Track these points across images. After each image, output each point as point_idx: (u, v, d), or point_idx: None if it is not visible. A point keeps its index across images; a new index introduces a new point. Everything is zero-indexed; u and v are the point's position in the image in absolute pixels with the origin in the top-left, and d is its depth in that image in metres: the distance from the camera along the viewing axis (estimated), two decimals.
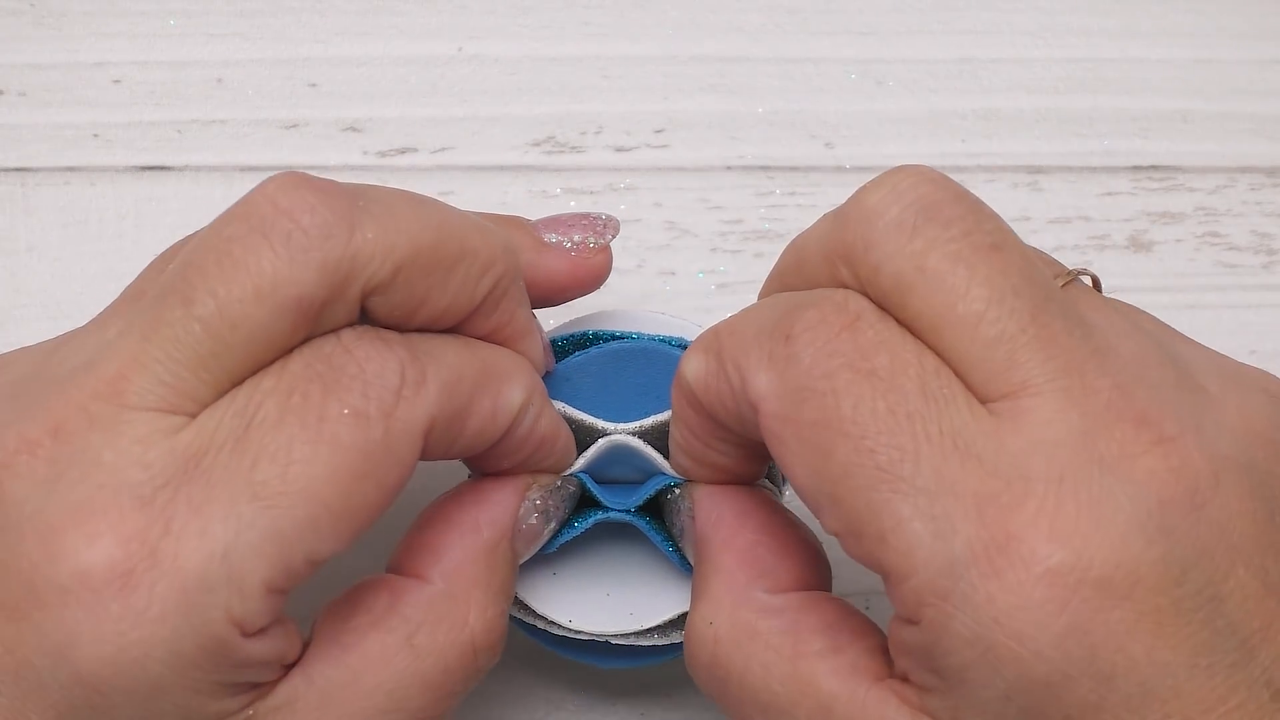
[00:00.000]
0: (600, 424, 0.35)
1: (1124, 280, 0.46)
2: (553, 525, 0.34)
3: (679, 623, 0.35)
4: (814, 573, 0.34)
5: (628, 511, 0.34)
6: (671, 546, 0.35)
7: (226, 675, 0.29)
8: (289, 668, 0.31)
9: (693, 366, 0.32)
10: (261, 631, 0.29)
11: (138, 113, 0.46)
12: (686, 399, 0.33)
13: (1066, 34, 0.49)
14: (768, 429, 0.30)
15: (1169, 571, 0.27)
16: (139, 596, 0.28)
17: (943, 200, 0.30)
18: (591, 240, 0.35)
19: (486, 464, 0.34)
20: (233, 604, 0.29)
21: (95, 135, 0.45)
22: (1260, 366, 0.45)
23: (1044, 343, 0.29)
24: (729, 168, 0.46)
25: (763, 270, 0.45)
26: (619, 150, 0.46)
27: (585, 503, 0.35)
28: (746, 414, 0.31)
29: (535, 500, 0.34)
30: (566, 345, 0.36)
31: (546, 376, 0.35)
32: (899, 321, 0.30)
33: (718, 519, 0.34)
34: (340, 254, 0.30)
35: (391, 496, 0.30)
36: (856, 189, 0.31)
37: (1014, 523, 0.27)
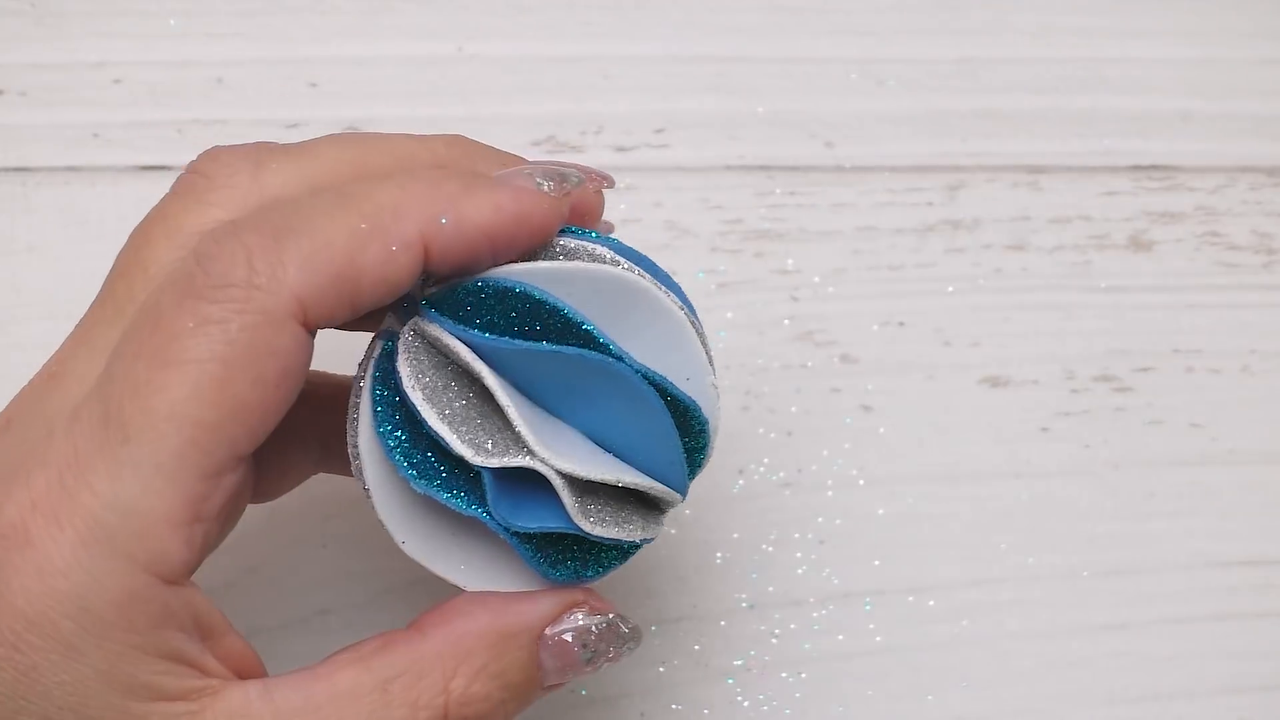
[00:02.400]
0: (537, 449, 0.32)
1: (1124, 280, 0.46)
2: (594, 663, 0.33)
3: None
4: None
5: (505, 529, 0.32)
6: (538, 559, 0.33)
7: (150, 638, 0.29)
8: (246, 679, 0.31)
9: None
10: (184, 582, 0.29)
11: (138, 113, 0.46)
12: None
13: (1066, 34, 0.49)
14: None
15: None
16: (39, 553, 0.28)
17: None
18: (545, 185, 0.32)
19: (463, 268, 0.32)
20: (136, 549, 0.28)
21: (95, 135, 0.45)
22: (1260, 366, 0.45)
23: None
24: (729, 167, 0.46)
25: (763, 270, 0.46)
26: (619, 150, 0.46)
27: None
28: None
29: (579, 620, 0.33)
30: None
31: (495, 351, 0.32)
32: None
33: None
34: (246, 189, 0.32)
35: (281, 387, 0.30)
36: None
37: None
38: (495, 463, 0.32)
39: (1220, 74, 0.48)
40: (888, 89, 0.48)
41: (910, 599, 0.42)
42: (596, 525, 0.33)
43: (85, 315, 0.32)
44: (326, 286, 0.30)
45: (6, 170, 0.45)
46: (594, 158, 0.46)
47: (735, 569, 0.42)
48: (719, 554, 0.42)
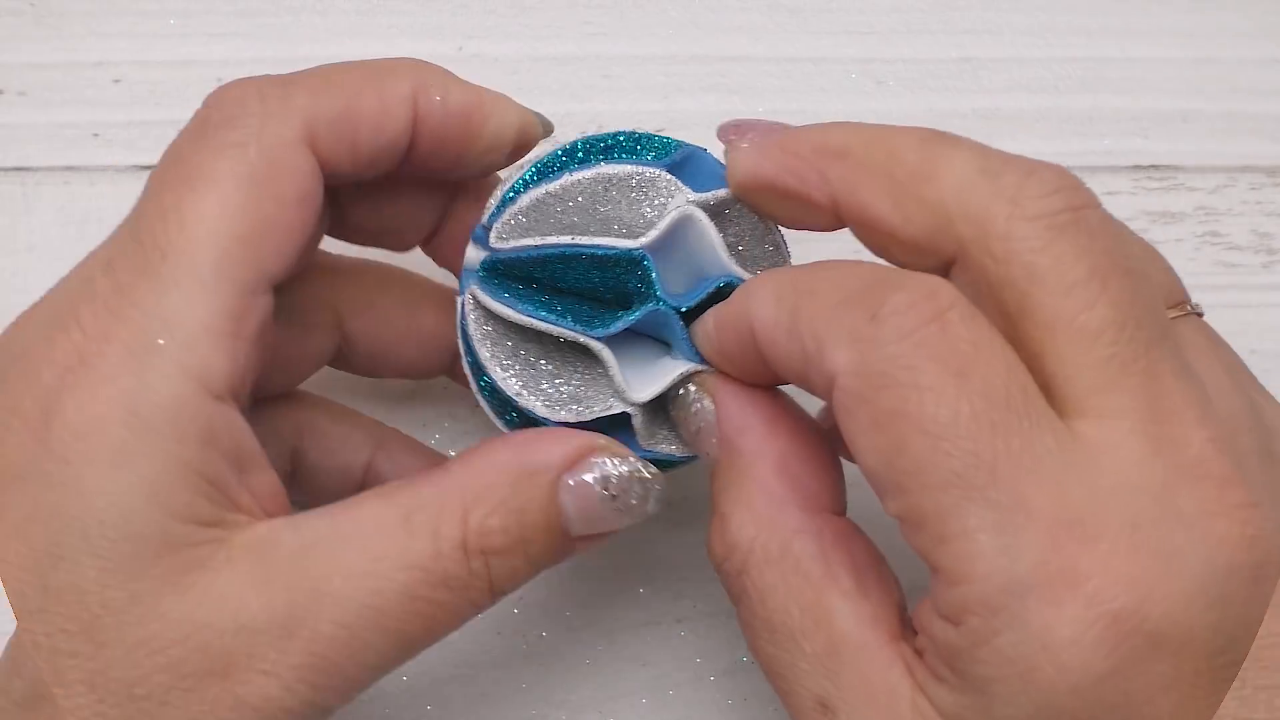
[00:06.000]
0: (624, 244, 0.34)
1: None
2: (618, 508, 0.33)
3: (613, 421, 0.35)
4: (839, 491, 0.33)
5: (676, 309, 0.34)
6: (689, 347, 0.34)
7: (197, 453, 0.29)
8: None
9: (763, 312, 0.31)
10: (228, 400, 0.30)
11: (138, 113, 0.46)
12: (740, 336, 0.32)
13: (1066, 34, 0.49)
14: (840, 404, 0.29)
15: (1216, 640, 0.27)
16: (90, 369, 0.29)
17: (1094, 215, 0.30)
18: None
19: (433, 164, 0.34)
20: (182, 356, 0.30)
21: (95, 135, 0.45)
22: (1260, 366, 0.45)
23: (1150, 379, 0.28)
24: None
25: None
26: None
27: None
28: (815, 380, 0.30)
29: (602, 462, 0.32)
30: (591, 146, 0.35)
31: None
32: (998, 314, 0.29)
33: (745, 425, 0.33)
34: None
35: (302, 206, 0.32)
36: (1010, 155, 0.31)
37: (1086, 558, 0.27)
38: (649, 238, 0.34)
39: (1220, 74, 0.48)
40: (888, 89, 0.48)
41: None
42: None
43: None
44: (330, 122, 0.32)
45: (6, 170, 0.45)
46: None
47: None
48: None
